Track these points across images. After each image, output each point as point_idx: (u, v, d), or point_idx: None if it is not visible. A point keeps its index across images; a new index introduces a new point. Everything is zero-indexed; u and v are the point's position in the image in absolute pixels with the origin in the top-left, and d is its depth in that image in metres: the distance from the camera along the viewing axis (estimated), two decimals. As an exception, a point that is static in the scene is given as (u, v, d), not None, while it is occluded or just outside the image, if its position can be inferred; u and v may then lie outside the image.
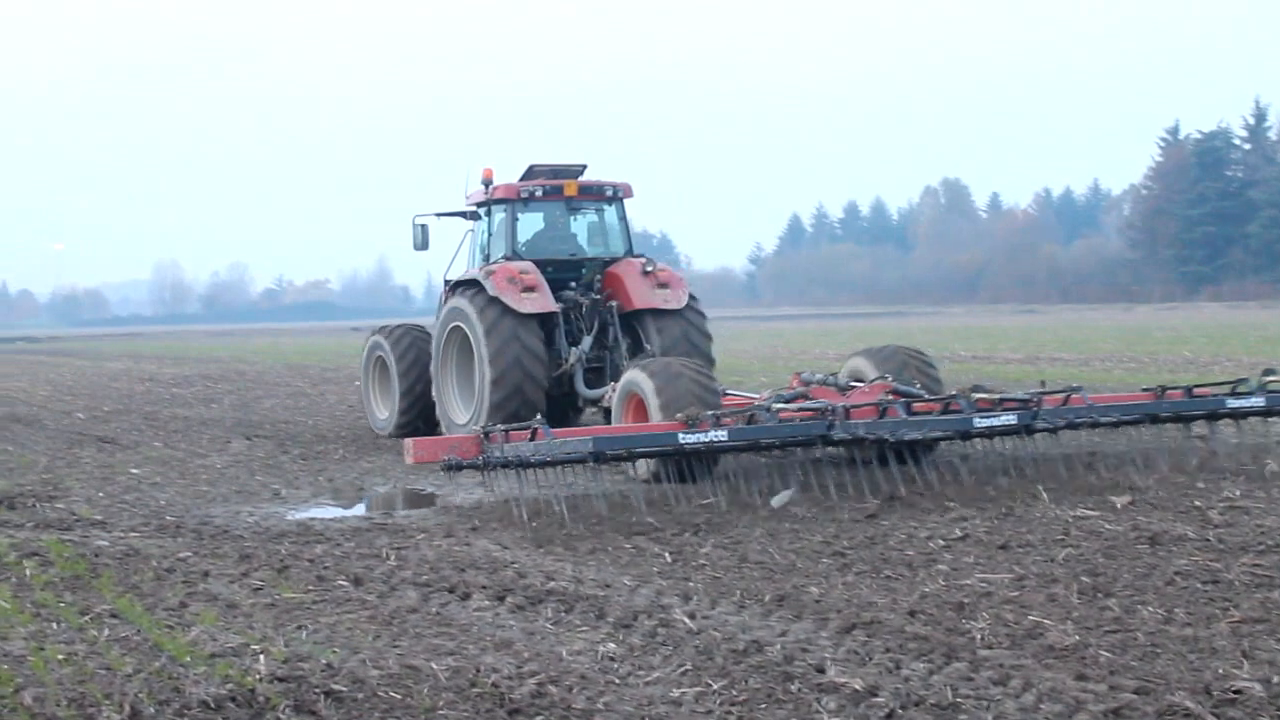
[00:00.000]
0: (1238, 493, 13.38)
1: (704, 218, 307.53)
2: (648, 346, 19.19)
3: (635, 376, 16.28)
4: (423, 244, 21.54)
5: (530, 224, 20.40)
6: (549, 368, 19.03)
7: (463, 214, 21.43)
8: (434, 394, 20.24)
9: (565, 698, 7.61)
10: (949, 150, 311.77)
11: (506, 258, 19.57)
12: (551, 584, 10.44)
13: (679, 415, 14.50)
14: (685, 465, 14.85)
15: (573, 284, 19.88)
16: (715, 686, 7.72)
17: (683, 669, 8.06)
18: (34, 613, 10.05)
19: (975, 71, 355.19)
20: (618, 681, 7.89)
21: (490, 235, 20.48)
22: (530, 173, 20.35)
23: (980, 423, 15.02)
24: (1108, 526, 11.87)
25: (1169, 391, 16.31)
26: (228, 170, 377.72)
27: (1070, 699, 7.25)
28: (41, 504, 15.52)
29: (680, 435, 14.07)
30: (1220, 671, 7.64)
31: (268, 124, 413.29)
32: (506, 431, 14.29)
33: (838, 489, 14.22)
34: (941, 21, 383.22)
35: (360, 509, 15.12)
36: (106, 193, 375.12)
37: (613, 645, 8.63)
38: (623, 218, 20.71)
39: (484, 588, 10.41)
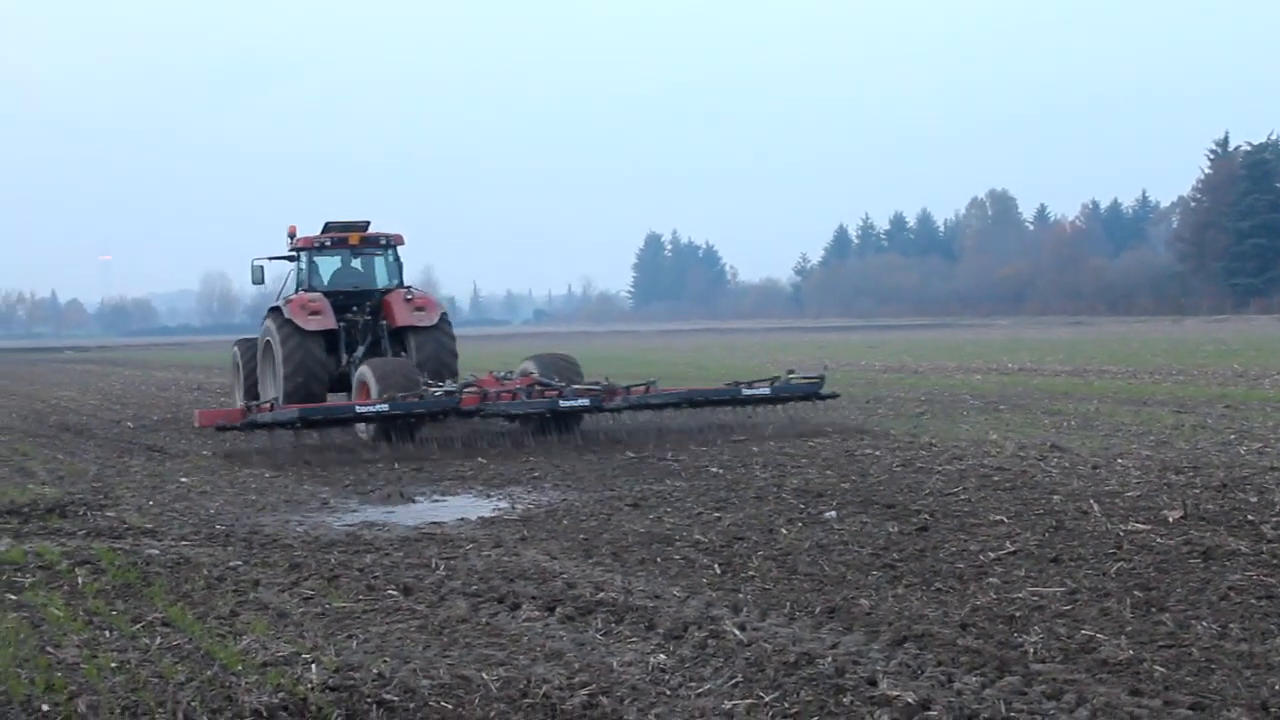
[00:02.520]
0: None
1: (749, 229, 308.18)
2: (403, 354, 25.64)
3: (364, 370, 23.48)
4: (260, 280, 28.27)
5: (329, 265, 27.15)
6: (330, 369, 25.50)
7: (285, 257, 27.57)
8: (258, 385, 26.74)
9: (617, 709, 7.59)
10: (996, 162, 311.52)
11: (304, 290, 26.15)
12: (601, 594, 10.42)
13: (385, 394, 21.49)
14: (387, 428, 21.75)
15: (354, 308, 26.25)
16: (767, 699, 7.68)
17: (734, 681, 8.03)
18: (86, 620, 10.12)
19: (1022, 83, 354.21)
20: (669, 693, 7.86)
21: (300, 273, 26.87)
22: (326, 227, 26.99)
23: (564, 404, 21.73)
24: (1160, 541, 11.78)
25: (741, 384, 23.86)
26: (274, 182, 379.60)
27: (1125, 714, 7.20)
28: (92, 512, 15.63)
29: (356, 407, 21.52)
30: (1277, 687, 7.57)
31: (313, 137, 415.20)
32: (258, 405, 22.15)
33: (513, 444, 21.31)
34: (988, 33, 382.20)
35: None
36: (155, 205, 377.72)
37: (663, 656, 8.60)
38: (395, 259, 27.18)
39: (533, 598, 10.40)
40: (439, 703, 7.78)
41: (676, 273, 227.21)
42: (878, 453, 18.85)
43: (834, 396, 24.13)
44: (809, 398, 23.47)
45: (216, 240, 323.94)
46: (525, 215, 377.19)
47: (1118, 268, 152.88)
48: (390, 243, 27.12)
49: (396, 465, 19.52)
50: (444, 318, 26.06)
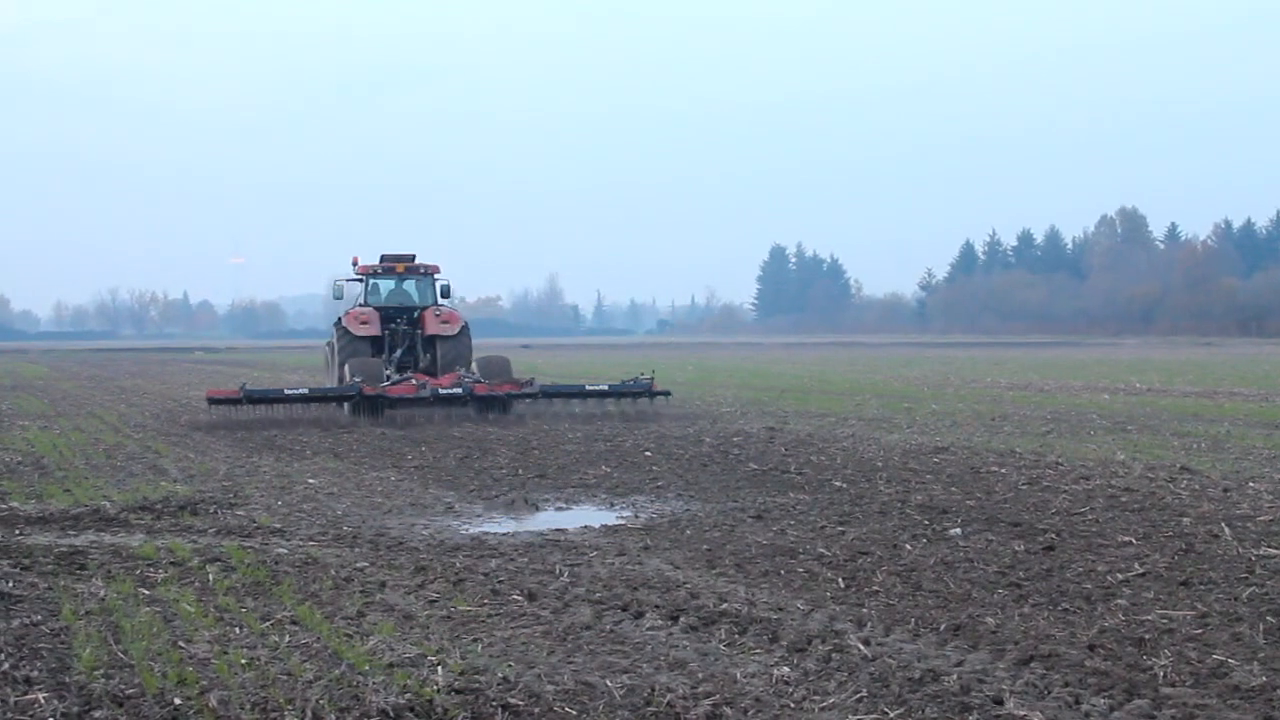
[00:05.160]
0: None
1: (875, 244, 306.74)
2: (425, 355, 33.62)
3: (346, 366, 30.78)
4: (340, 295, 35.15)
5: (385, 286, 34.92)
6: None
7: (355, 279, 35.00)
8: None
9: (740, 720, 7.59)
10: (1126, 179, 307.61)
11: (360, 305, 34.01)
12: (724, 605, 10.42)
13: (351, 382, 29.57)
14: (358, 407, 28.83)
15: (398, 320, 33.85)
16: (891, 715, 7.65)
17: (858, 695, 8.00)
18: (217, 617, 10.28)
19: (1154, 100, 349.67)
20: (793, 706, 7.85)
21: (363, 292, 34.64)
22: (381, 258, 34.77)
23: (442, 392, 29.04)
24: (1294, 566, 11.58)
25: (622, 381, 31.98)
26: (400, 188, 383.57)
27: (1258, 741, 7.08)
28: (222, 510, 15.88)
29: (284, 389, 30.17)
30: None
31: (441, 144, 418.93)
32: (242, 387, 29.37)
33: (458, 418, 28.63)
34: (1119, 50, 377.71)
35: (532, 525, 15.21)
36: (286, 209, 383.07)
37: (787, 669, 8.58)
38: (432, 284, 34.85)
39: (657, 607, 10.42)
40: (563, 708, 7.82)
41: (800, 285, 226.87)
42: (1003, 470, 18.69)
43: (666, 394, 31.17)
44: (641, 394, 30.47)
45: (344, 245, 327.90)
46: (650, 225, 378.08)
47: (1250, 288, 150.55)
48: (428, 271, 34.91)
49: (520, 472, 19.65)
50: (464, 329, 33.84)
